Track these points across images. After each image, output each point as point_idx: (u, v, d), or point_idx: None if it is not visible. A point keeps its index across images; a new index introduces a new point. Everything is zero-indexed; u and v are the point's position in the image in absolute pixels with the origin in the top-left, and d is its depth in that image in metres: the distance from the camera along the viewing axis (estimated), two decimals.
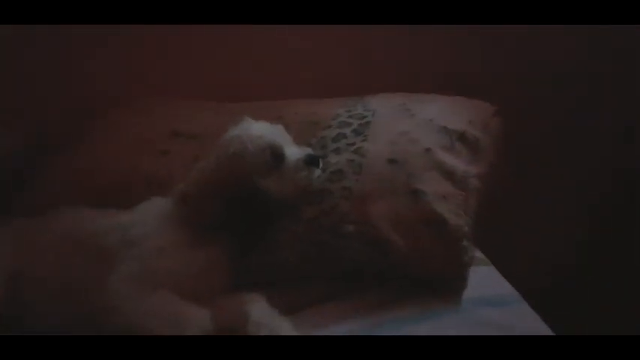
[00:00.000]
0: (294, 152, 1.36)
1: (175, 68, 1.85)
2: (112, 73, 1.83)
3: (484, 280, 1.33)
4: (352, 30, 1.76)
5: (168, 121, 1.64)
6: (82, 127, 1.69)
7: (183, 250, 1.26)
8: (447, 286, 1.28)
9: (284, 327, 1.16)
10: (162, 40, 1.79)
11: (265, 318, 1.17)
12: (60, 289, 1.24)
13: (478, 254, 1.42)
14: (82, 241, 1.28)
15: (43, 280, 1.25)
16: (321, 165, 1.38)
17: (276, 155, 1.33)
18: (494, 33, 1.80)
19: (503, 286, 1.34)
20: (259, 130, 1.35)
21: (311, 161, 1.36)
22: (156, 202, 1.36)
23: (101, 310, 1.16)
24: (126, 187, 1.48)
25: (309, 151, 1.39)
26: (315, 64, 1.85)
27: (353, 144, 1.43)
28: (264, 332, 1.14)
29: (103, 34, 1.74)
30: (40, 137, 1.76)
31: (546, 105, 1.89)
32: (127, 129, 1.65)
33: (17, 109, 1.79)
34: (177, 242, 1.27)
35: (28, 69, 1.80)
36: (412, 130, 1.46)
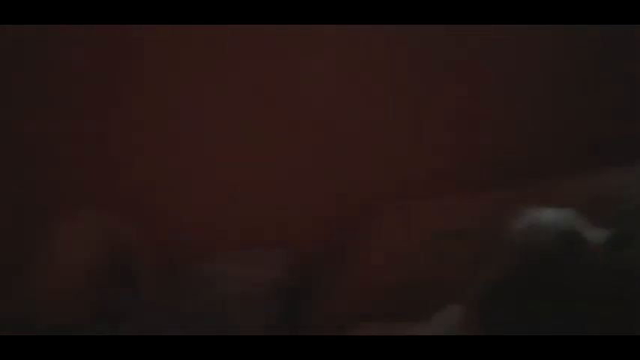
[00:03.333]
0: (594, 235, 1.22)
1: None
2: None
3: None
4: None
5: (432, 222, 1.61)
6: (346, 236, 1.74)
7: None
8: None
9: None
10: None
11: None
12: None
13: None
14: None
15: None
16: (630, 243, 1.22)
17: (575, 242, 1.20)
18: None
19: None
20: (550, 217, 1.24)
21: (616, 242, 1.21)
22: (450, 309, 1.29)
23: None
24: (407, 297, 1.47)
25: (609, 231, 1.24)
26: None
27: None
28: None
29: None
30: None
31: None
32: (392, 234, 1.65)
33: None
34: None
35: None
36: None
